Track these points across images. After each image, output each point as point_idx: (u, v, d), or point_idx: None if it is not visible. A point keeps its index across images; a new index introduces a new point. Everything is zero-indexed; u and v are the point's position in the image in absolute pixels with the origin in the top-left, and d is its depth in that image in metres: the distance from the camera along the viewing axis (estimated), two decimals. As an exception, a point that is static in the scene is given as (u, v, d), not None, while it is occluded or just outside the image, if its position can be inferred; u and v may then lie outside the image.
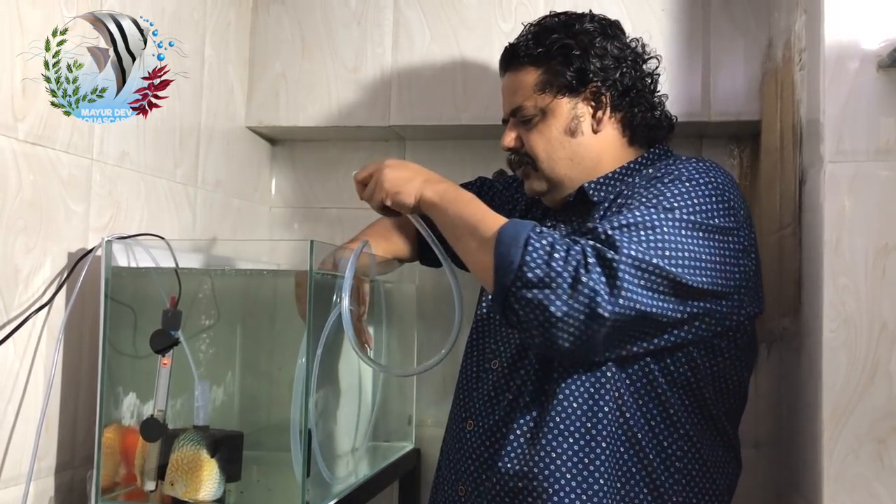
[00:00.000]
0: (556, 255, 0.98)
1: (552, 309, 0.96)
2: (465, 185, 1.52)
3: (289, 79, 1.68)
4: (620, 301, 0.97)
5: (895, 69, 1.07)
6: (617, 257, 0.98)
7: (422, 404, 1.69)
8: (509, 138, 1.24)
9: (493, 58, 1.59)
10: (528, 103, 1.21)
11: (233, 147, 1.65)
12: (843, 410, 1.06)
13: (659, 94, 1.26)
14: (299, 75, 1.68)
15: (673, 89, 1.48)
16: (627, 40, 1.24)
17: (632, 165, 1.21)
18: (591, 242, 1.00)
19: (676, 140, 1.35)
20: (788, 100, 1.32)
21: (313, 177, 1.79)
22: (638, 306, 0.98)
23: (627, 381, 1.10)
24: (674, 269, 1.00)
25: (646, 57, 1.26)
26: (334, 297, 1.19)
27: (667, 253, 1.00)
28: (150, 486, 1.11)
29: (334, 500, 1.17)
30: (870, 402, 1.05)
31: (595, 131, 1.21)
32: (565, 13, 1.26)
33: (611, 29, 1.23)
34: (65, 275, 1.12)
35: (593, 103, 1.20)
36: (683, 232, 1.03)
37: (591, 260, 0.98)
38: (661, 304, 1.00)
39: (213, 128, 1.56)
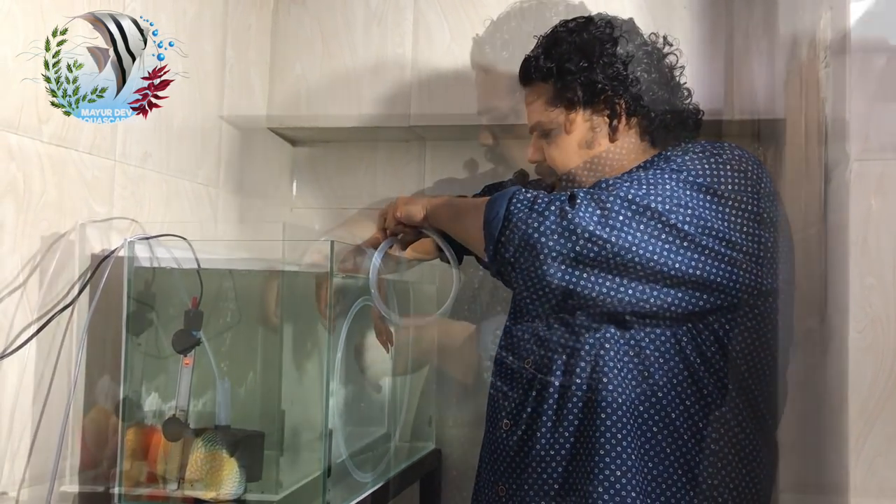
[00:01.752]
0: (540, 199, 1.01)
1: (542, 241, 0.99)
2: (500, 185, 1.52)
3: (309, 80, 1.69)
4: (615, 233, 0.98)
5: (923, 66, 1.05)
6: (611, 196, 0.99)
7: (442, 405, 1.68)
8: (531, 152, 1.26)
9: (514, 57, 1.59)
10: (544, 119, 1.22)
11: (254, 148, 1.65)
12: (870, 412, 1.04)
13: (683, 86, 1.24)
14: (320, 76, 1.68)
15: (695, 87, 1.45)
16: (640, 40, 1.22)
17: (655, 159, 1.19)
18: (584, 190, 1.03)
19: (698, 138, 1.33)
20: (813, 97, 1.30)
21: (334, 177, 1.80)
22: (631, 239, 0.98)
23: (661, 360, 1.09)
24: (672, 217, 1.00)
25: (664, 52, 1.23)
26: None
27: (667, 204, 1.00)
28: (171, 485, 1.11)
29: (355, 501, 1.17)
30: (898, 405, 1.03)
31: (612, 140, 1.20)
32: (574, 20, 1.24)
33: (620, 31, 1.21)
34: (88, 275, 1.13)
35: (608, 112, 1.19)
36: (688, 192, 1.02)
37: (580, 200, 1.00)
38: (657, 248, 1.00)
39: (234, 129, 1.56)
